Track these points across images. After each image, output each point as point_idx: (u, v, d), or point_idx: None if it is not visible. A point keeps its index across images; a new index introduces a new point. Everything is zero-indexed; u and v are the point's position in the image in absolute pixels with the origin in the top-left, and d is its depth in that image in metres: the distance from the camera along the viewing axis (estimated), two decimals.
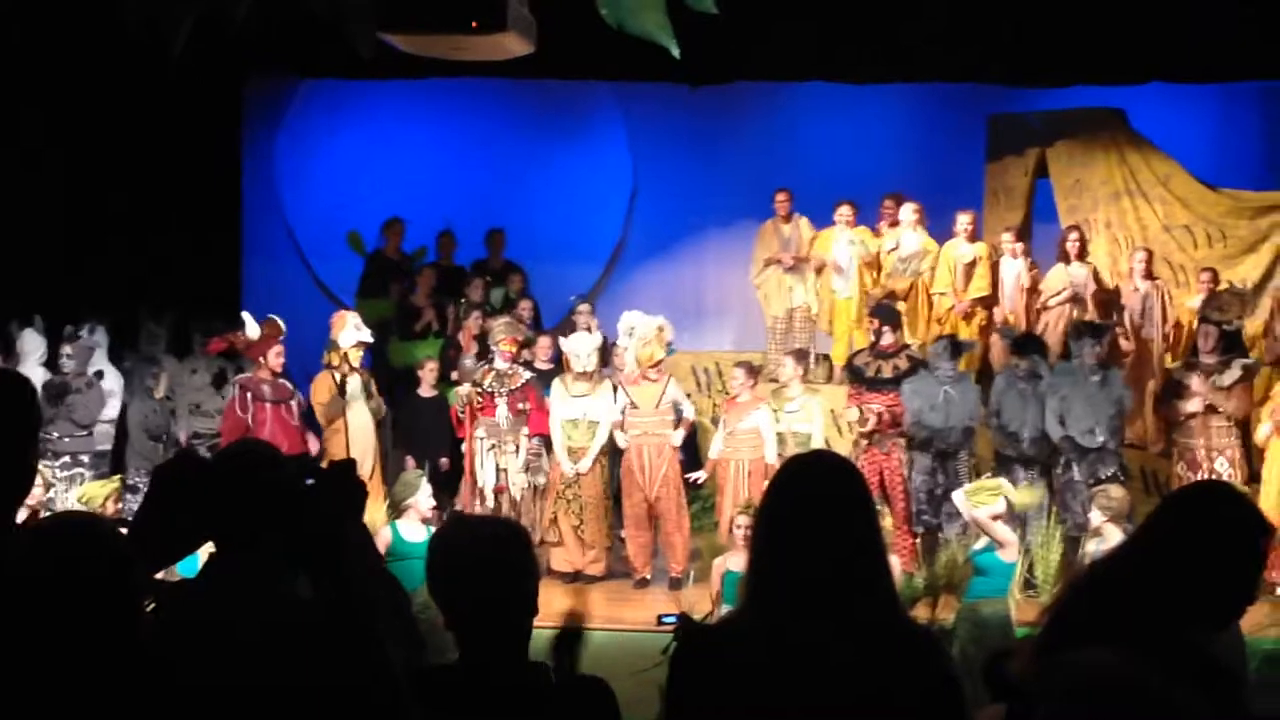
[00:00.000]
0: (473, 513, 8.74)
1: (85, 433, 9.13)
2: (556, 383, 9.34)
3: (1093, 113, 11.31)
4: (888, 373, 9.13)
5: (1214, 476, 8.60)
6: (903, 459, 8.98)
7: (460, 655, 2.52)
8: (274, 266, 12.98)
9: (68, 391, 9.03)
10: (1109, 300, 10.65)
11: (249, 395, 8.88)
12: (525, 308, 11.06)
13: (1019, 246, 10.83)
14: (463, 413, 9.33)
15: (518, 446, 9.20)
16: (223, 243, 12.54)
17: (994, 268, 10.82)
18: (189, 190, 11.72)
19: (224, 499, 2.62)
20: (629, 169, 13.11)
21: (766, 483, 2.57)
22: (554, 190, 12.88)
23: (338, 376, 9.07)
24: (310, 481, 2.69)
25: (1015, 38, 9.56)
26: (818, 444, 8.88)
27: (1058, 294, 10.61)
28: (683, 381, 10.02)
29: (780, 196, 11.13)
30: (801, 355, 9.85)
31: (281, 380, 9.08)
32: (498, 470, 9.19)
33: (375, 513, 7.87)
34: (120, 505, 6.99)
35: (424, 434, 9.84)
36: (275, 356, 9.00)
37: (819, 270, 11.02)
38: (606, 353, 10.04)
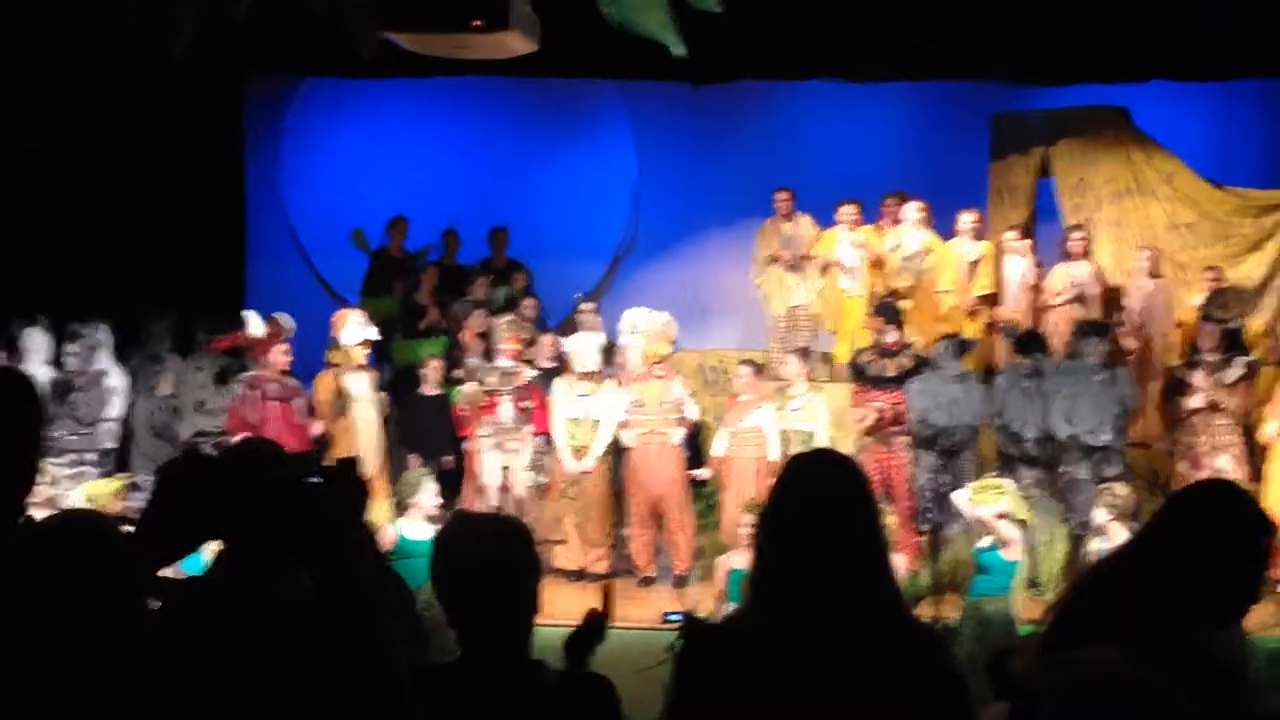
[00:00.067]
0: (476, 511, 8.75)
1: (89, 430, 9.15)
2: (559, 382, 9.35)
3: (1096, 111, 11.29)
4: (891, 371, 9.12)
5: (1217, 474, 8.60)
6: (906, 457, 8.98)
7: (462, 653, 2.52)
8: (277, 265, 12.98)
9: (71, 389, 9.04)
10: (1113, 299, 10.65)
11: (255, 394, 8.90)
12: (529, 306, 11.06)
13: (1023, 245, 10.83)
14: (466, 411, 9.32)
15: (521, 445, 9.22)
16: (226, 242, 12.54)
17: (998, 266, 10.82)
18: (192, 190, 11.72)
19: (229, 497, 2.62)
20: (632, 167, 13.11)
21: (770, 481, 2.56)
22: (558, 188, 12.88)
23: (341, 375, 9.10)
24: (314, 480, 2.69)
25: (1018, 36, 9.55)
26: (821, 442, 8.86)
27: (1062, 293, 10.61)
28: (688, 379, 10.02)
29: (781, 195, 11.12)
30: (804, 354, 9.86)
31: (287, 379, 9.10)
32: (501, 469, 9.20)
33: (380, 511, 7.88)
34: (125, 503, 7.00)
35: (428, 432, 9.84)
36: (280, 355, 9.01)
37: (824, 270, 11.02)
38: (610, 352, 10.04)
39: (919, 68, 10.26)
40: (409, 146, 12.95)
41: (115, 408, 9.42)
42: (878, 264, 10.85)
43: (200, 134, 11.74)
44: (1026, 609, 6.56)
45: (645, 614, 7.53)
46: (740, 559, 6.64)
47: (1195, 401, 8.92)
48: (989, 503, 6.47)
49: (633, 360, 9.33)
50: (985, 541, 6.55)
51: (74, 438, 9.02)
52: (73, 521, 2.28)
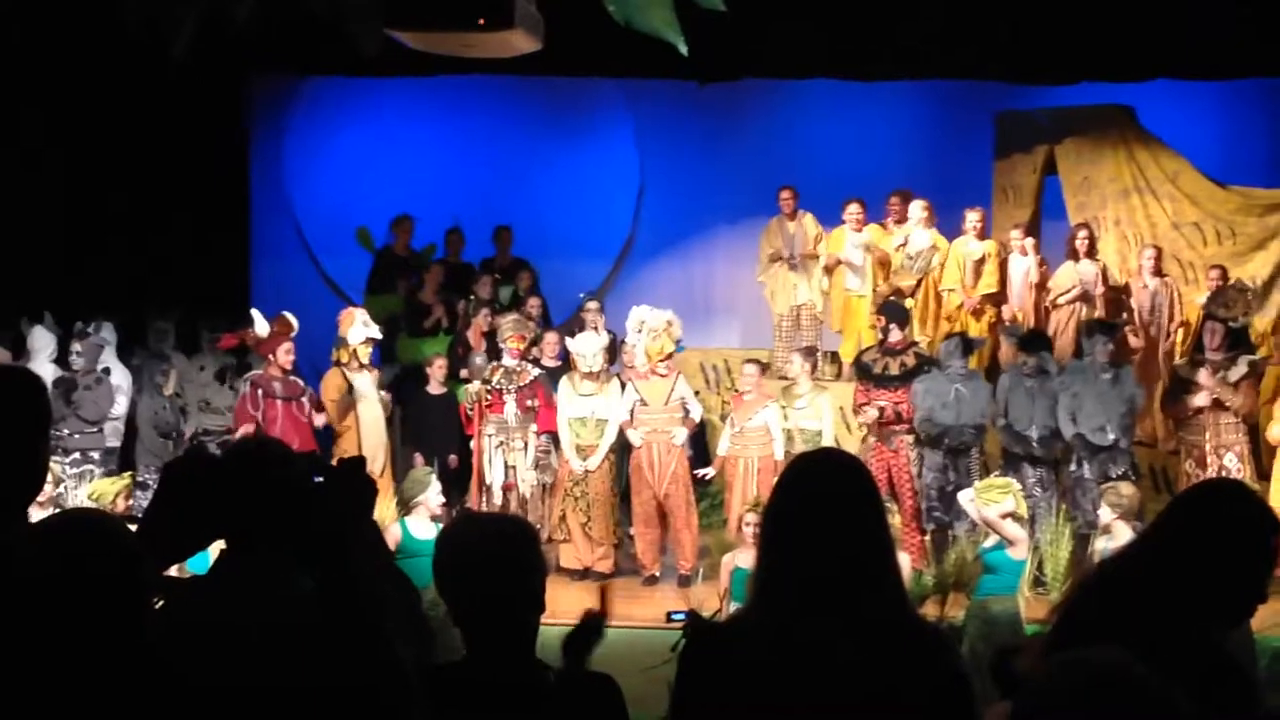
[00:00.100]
0: (481, 510, 8.75)
1: (94, 429, 9.15)
2: (564, 381, 9.35)
3: (1101, 110, 11.29)
4: (895, 370, 9.12)
5: (1223, 473, 8.60)
6: (911, 456, 8.97)
7: (467, 652, 2.52)
8: (282, 264, 13.01)
9: (76, 388, 9.05)
10: (1118, 298, 10.65)
11: (260, 392, 8.91)
12: (534, 305, 11.07)
13: (1028, 243, 10.83)
14: (471, 410, 9.34)
15: (526, 444, 9.22)
16: (229, 241, 12.57)
17: (1003, 265, 10.81)
18: (194, 189, 11.74)
19: (234, 496, 2.62)
20: (636, 166, 13.12)
21: (775, 480, 2.56)
22: (562, 187, 12.89)
23: (347, 374, 9.12)
24: (320, 479, 2.69)
25: (1022, 35, 9.55)
26: (826, 441, 8.87)
27: (1066, 291, 10.60)
28: (691, 378, 10.02)
29: (784, 194, 11.12)
30: (809, 353, 9.86)
31: (292, 377, 9.11)
32: (506, 467, 9.20)
33: (385, 510, 7.89)
34: (130, 502, 7.01)
35: (433, 431, 9.84)
36: (285, 354, 9.02)
37: (830, 269, 11.02)
38: (614, 351, 10.04)
39: (923, 66, 10.26)
40: (413, 145, 12.97)
41: (120, 406, 9.43)
42: (884, 263, 10.85)
43: (202, 133, 11.75)
44: (1032, 608, 6.55)
45: (649, 613, 7.51)
46: (745, 558, 6.65)
47: (1200, 400, 8.92)
48: (995, 502, 6.46)
49: (640, 358, 9.33)
50: (990, 541, 6.55)
51: (79, 436, 9.03)
52: (78, 520, 2.28)
